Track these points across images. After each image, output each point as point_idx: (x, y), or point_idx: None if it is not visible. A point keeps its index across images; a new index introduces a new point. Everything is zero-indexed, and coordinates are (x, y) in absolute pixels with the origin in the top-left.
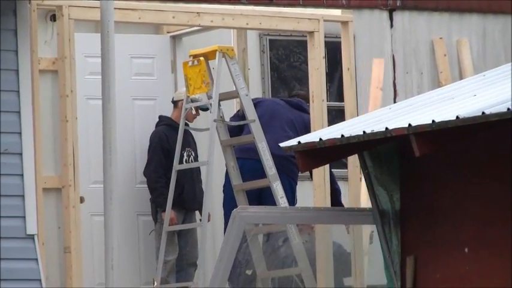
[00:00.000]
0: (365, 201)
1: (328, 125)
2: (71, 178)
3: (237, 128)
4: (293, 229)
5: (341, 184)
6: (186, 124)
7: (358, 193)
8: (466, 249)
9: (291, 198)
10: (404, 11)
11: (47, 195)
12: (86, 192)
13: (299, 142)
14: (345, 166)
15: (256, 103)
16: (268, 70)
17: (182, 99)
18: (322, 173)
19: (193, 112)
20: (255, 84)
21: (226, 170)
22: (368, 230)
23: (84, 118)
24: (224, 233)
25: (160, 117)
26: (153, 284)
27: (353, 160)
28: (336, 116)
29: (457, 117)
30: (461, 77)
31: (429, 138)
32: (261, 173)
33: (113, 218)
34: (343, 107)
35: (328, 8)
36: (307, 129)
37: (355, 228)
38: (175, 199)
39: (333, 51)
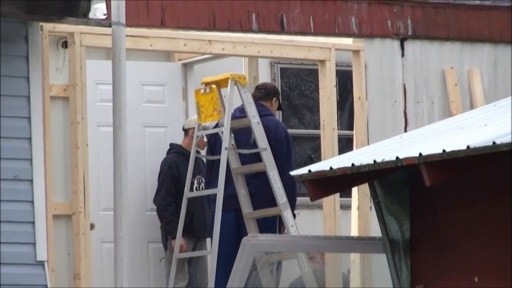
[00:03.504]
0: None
1: (339, 154)
2: (81, 205)
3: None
4: (303, 257)
5: (348, 212)
6: (198, 152)
7: (368, 222)
8: (476, 279)
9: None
10: (416, 40)
11: (57, 222)
12: (96, 219)
13: (309, 171)
14: (350, 194)
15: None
16: (279, 98)
17: (193, 127)
18: (332, 202)
19: (205, 140)
20: None
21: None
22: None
23: (95, 145)
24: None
25: (171, 144)
26: None
27: (363, 189)
28: (347, 144)
29: (468, 147)
30: (472, 107)
31: (440, 168)
32: (241, 225)
33: (123, 245)
34: (353, 135)
35: (339, 37)
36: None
37: (364, 258)
38: (185, 227)
39: (344, 80)
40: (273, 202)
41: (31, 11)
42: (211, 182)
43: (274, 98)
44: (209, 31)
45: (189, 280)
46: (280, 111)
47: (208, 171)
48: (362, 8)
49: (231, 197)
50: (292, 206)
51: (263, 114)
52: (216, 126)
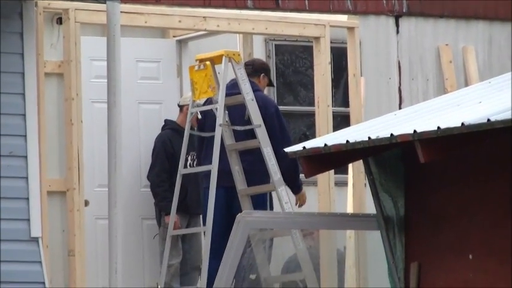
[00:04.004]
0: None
1: (334, 131)
2: (75, 181)
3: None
4: (297, 234)
5: (346, 189)
6: (192, 128)
7: (363, 199)
8: (470, 256)
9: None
10: (411, 17)
11: (52, 199)
12: (91, 195)
13: (304, 147)
14: (346, 171)
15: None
16: (274, 75)
17: (188, 104)
18: (326, 179)
19: (199, 117)
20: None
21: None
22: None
23: (90, 121)
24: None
25: (165, 121)
26: (157, 287)
27: (358, 166)
28: (341, 121)
29: (463, 124)
30: (466, 84)
31: (434, 145)
32: (235, 201)
33: (117, 221)
34: (349, 112)
35: (334, 14)
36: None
37: (359, 234)
38: (179, 203)
39: (339, 57)
40: (266, 178)
41: None
42: (202, 159)
43: (262, 74)
44: (204, 8)
45: (183, 257)
46: (274, 88)
47: (199, 148)
48: None
49: (221, 173)
50: (297, 177)
51: (254, 89)
52: (206, 103)
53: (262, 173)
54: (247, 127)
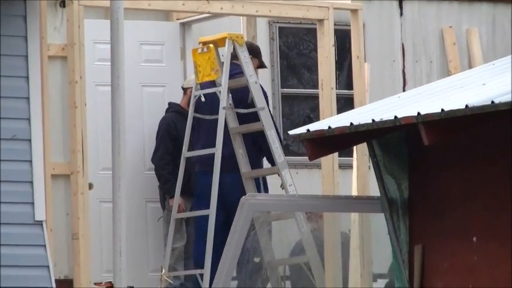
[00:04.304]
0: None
1: (337, 113)
2: (79, 164)
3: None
4: (301, 217)
5: (350, 172)
6: (195, 111)
7: (366, 181)
8: (474, 239)
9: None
10: None
11: (56, 182)
12: (95, 178)
13: (308, 130)
14: (350, 154)
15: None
16: (278, 58)
17: (191, 87)
18: (330, 161)
19: (203, 99)
20: (264, 72)
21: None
22: None
23: (93, 104)
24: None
25: (169, 103)
26: (161, 271)
27: (362, 148)
28: (345, 104)
29: (466, 106)
30: (470, 66)
31: (438, 127)
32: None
33: (121, 204)
34: (352, 95)
35: None
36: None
37: (363, 216)
38: (183, 186)
39: (343, 40)
40: (258, 163)
41: None
42: (193, 143)
43: (250, 56)
44: None
45: (187, 240)
46: (278, 70)
47: (191, 132)
48: None
49: (210, 158)
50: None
51: (236, 72)
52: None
53: (253, 157)
54: (250, 110)
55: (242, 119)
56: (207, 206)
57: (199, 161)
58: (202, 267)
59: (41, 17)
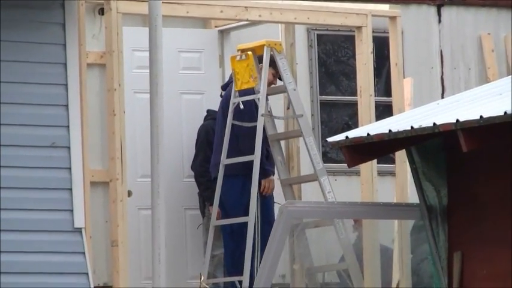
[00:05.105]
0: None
1: (376, 120)
2: (118, 172)
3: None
4: (340, 224)
5: (388, 179)
6: (234, 118)
7: (405, 188)
8: None
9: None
10: (452, 6)
11: (95, 189)
12: (134, 186)
13: (346, 137)
14: (393, 161)
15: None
16: (316, 65)
17: None
18: (369, 168)
19: (241, 106)
20: (303, 79)
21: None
22: None
23: (132, 112)
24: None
25: (208, 111)
26: (200, 278)
27: (400, 155)
28: (384, 111)
29: (505, 112)
30: (508, 73)
31: (476, 134)
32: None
33: (160, 212)
34: (391, 102)
35: (376, 3)
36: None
37: (402, 223)
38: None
39: (381, 47)
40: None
41: None
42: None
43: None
44: None
45: None
46: (317, 78)
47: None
48: None
49: (239, 163)
50: (264, 161)
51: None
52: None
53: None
54: (289, 117)
55: (243, 132)
56: (234, 207)
57: (218, 165)
58: (230, 272)
59: (80, 25)
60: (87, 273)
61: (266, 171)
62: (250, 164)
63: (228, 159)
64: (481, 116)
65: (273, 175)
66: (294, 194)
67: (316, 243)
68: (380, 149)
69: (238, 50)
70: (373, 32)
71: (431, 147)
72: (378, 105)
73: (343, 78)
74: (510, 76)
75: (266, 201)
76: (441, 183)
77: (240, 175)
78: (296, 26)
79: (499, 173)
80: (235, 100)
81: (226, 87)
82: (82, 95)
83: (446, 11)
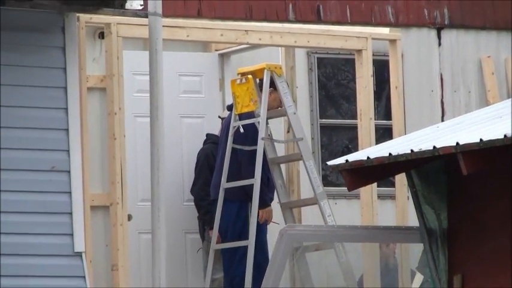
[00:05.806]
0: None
1: (376, 144)
2: (118, 196)
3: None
4: (340, 247)
5: (389, 202)
6: (234, 142)
7: (405, 211)
8: None
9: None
10: (452, 29)
11: (95, 213)
12: (134, 210)
13: (346, 160)
14: (393, 185)
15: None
16: (316, 88)
17: None
18: (369, 191)
19: (241, 130)
20: (303, 102)
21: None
22: None
23: (132, 136)
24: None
25: (207, 135)
26: None
27: (400, 179)
28: (384, 134)
29: (505, 136)
30: (509, 96)
31: (477, 157)
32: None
33: (160, 235)
34: (391, 125)
35: (376, 26)
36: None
37: (402, 246)
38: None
39: (381, 70)
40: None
41: (68, 1)
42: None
43: (271, 89)
44: (246, 21)
45: None
46: (317, 101)
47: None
48: None
49: (236, 188)
50: (264, 190)
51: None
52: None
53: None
54: (289, 140)
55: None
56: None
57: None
58: None
59: (80, 49)
60: None
61: (264, 201)
62: (247, 189)
63: (228, 183)
64: (481, 139)
65: (271, 201)
66: (294, 217)
67: (317, 266)
68: (380, 172)
69: (238, 74)
70: (373, 55)
71: (432, 171)
72: (378, 129)
73: (343, 101)
74: (510, 99)
75: (260, 229)
76: (441, 206)
77: (236, 201)
78: (296, 50)
79: (500, 196)
80: (235, 124)
81: (231, 108)
82: (82, 119)
83: (446, 34)
